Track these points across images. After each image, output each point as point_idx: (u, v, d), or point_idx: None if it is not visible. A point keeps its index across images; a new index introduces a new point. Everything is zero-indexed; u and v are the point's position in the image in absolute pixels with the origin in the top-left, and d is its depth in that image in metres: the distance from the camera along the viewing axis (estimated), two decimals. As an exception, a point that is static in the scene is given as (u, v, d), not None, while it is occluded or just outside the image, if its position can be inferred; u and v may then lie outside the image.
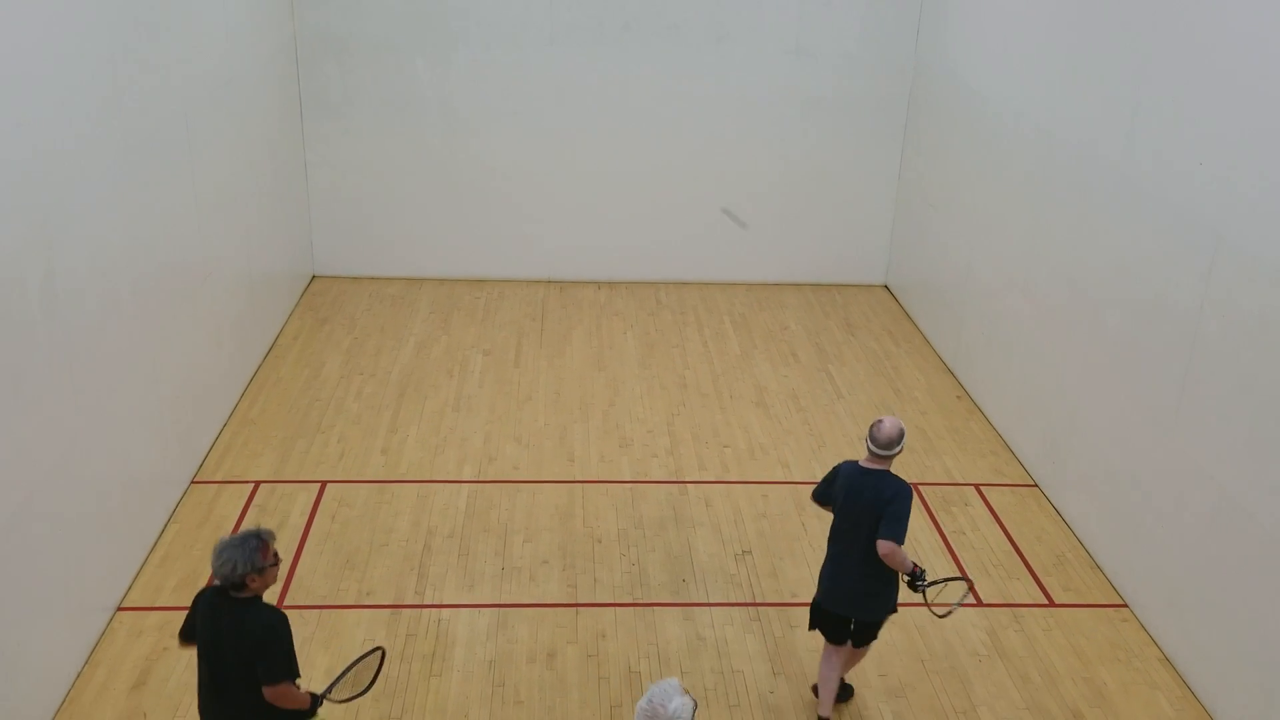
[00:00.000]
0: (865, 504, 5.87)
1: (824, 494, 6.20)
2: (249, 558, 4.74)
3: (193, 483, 8.51)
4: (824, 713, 6.30)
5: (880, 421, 5.91)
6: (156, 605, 7.16)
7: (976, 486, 8.86)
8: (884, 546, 5.76)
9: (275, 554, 4.87)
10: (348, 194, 12.34)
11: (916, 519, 8.38)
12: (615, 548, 7.93)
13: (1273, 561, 6.03)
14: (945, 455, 9.31)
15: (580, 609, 7.29)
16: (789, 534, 8.15)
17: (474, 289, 12.52)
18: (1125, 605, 7.48)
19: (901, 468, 9.07)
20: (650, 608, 7.31)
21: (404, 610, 7.21)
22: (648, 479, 8.82)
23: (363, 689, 5.19)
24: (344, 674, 5.14)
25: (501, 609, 7.27)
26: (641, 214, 12.62)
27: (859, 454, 9.20)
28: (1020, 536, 8.23)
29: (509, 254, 12.71)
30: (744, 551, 7.94)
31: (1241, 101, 6.43)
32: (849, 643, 6.24)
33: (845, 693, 6.55)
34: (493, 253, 12.69)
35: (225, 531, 7.90)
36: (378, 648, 5.31)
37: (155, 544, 7.75)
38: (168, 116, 8.07)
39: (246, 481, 8.56)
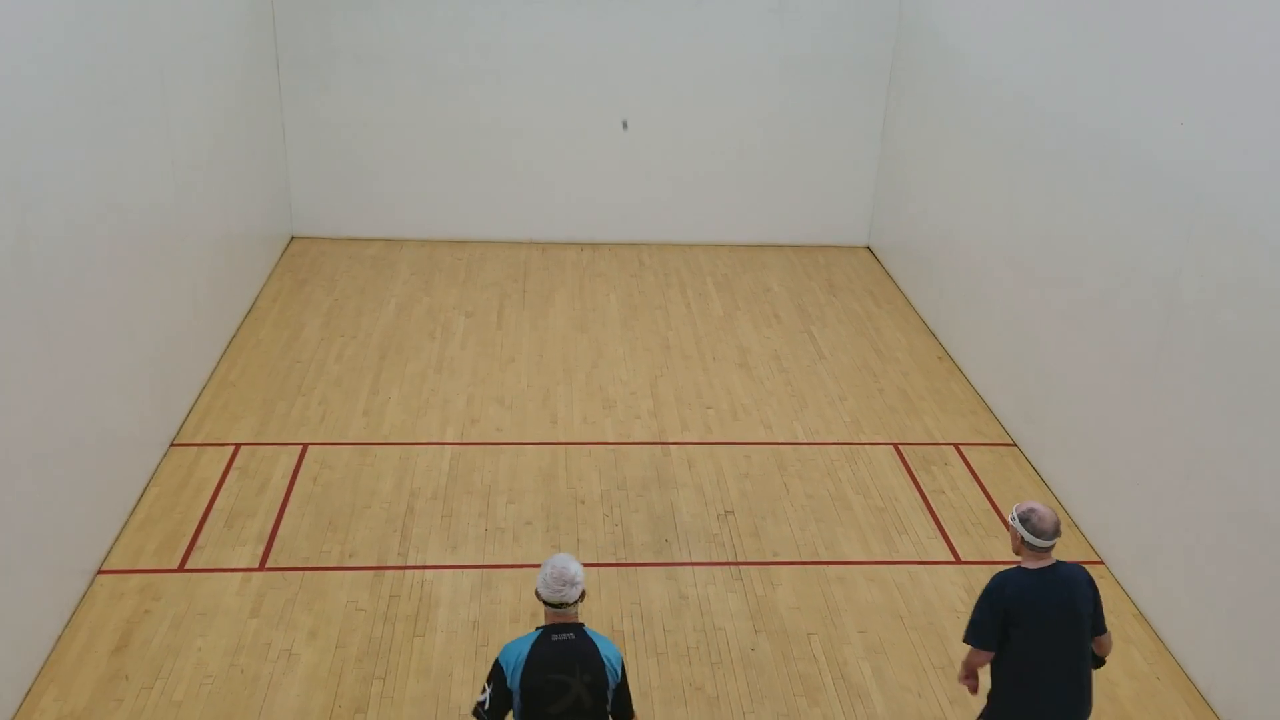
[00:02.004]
0: (1068, 602, 4.94)
1: (995, 628, 4.97)
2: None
3: (172, 445, 8.47)
4: None
5: (1037, 509, 4.95)
6: (137, 568, 7.15)
7: (956, 446, 8.92)
8: (1108, 642, 5.08)
9: None
10: (326, 153, 12.22)
11: (896, 478, 8.45)
12: (598, 508, 7.96)
13: (1245, 519, 6.11)
14: (926, 415, 9.36)
15: (563, 569, 7.31)
16: (771, 494, 8.20)
17: (455, 250, 12.44)
18: (1101, 562, 7.57)
19: (882, 428, 9.12)
20: (633, 568, 7.35)
21: (387, 571, 7.22)
22: (631, 440, 8.84)
23: None
24: None
25: (485, 570, 7.29)
26: (624, 175, 12.55)
27: (840, 414, 9.27)
28: (998, 495, 8.29)
29: (490, 215, 12.63)
30: (726, 512, 7.98)
31: (1220, 62, 6.42)
32: None
33: None
34: (474, 213, 12.61)
35: (205, 495, 7.89)
36: None
37: (135, 507, 7.73)
38: (142, 74, 7.95)
39: (227, 444, 8.53)
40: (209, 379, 9.42)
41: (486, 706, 4.56)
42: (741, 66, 12.19)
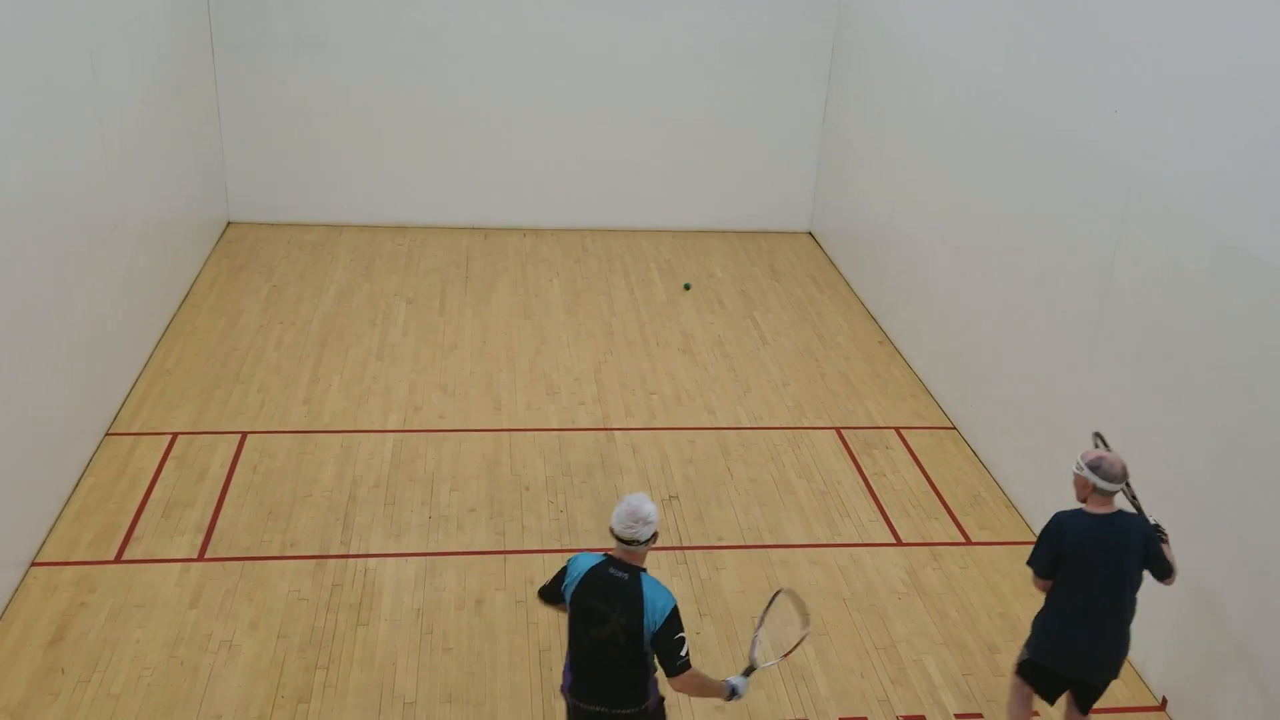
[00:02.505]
0: (1119, 551, 5.20)
1: (1050, 561, 5.31)
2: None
3: (107, 435, 8.31)
4: None
5: (1107, 456, 5.23)
6: (71, 560, 7.01)
7: (897, 430, 9.04)
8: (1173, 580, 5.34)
9: None
10: (263, 138, 12.02)
11: (838, 462, 8.54)
12: (543, 495, 7.95)
13: (1179, 498, 6.26)
14: (867, 399, 9.47)
15: (508, 556, 7.30)
16: (715, 479, 8.24)
17: (396, 236, 12.32)
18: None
19: (824, 412, 9.22)
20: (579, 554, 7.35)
21: (329, 560, 7.16)
22: (575, 426, 8.83)
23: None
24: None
25: (429, 557, 7.26)
26: (566, 160, 12.51)
27: (783, 399, 9.34)
28: (938, 477, 8.42)
29: (432, 200, 12.52)
30: (671, 497, 8.01)
31: (1156, 50, 6.55)
32: (1072, 708, 5.62)
33: None
34: (415, 199, 12.49)
35: (142, 485, 7.75)
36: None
37: (70, 497, 7.57)
38: (71, 58, 7.75)
39: (164, 433, 8.39)
40: (144, 367, 9.24)
41: (548, 587, 4.89)
42: (684, 51, 12.20)
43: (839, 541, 7.65)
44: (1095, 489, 5.23)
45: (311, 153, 12.15)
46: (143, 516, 7.46)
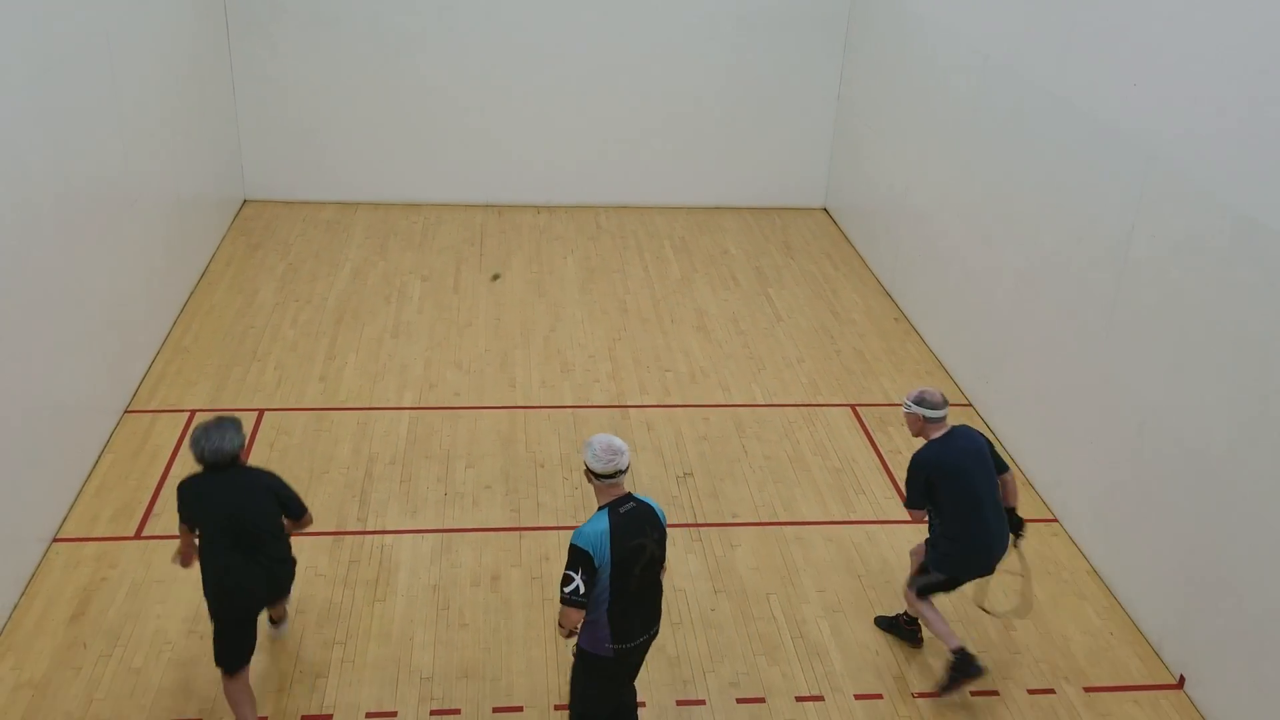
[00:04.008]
0: (975, 453, 5.95)
1: (927, 489, 5.97)
2: (240, 436, 5.50)
3: (126, 412, 8.36)
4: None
5: (927, 390, 6.00)
6: (93, 536, 7.07)
7: (913, 407, 9.01)
8: (1013, 482, 6.16)
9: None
10: (278, 116, 12.02)
11: (853, 439, 8.53)
12: (558, 472, 7.97)
13: (1195, 476, 6.24)
14: (882, 376, 9.45)
15: (524, 532, 7.33)
16: (729, 456, 8.25)
17: (410, 213, 12.32)
18: (1055, 520, 7.70)
19: (839, 389, 9.20)
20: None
21: (346, 537, 7.20)
22: (589, 404, 8.84)
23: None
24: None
25: (444, 534, 7.29)
26: (581, 138, 12.47)
27: (798, 376, 9.33)
28: (955, 455, 8.40)
29: (446, 178, 12.51)
30: (685, 474, 8.02)
31: (1174, 23, 6.47)
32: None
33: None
34: (429, 176, 12.48)
35: (161, 461, 7.81)
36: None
37: (90, 474, 7.63)
38: (88, 33, 7.76)
39: (181, 410, 8.44)
40: (163, 345, 9.29)
41: (582, 590, 4.89)
42: (699, 26, 12.12)
43: (854, 518, 7.65)
44: (926, 419, 5.95)
45: (326, 131, 12.14)
46: (162, 493, 7.51)
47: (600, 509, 5.03)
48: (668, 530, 5.30)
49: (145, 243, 8.89)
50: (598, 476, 5.00)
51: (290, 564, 5.69)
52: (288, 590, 5.86)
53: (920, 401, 5.97)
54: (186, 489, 5.47)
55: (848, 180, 12.34)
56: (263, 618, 6.04)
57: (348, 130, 12.17)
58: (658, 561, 5.12)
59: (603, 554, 4.91)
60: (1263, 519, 5.72)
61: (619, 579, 4.96)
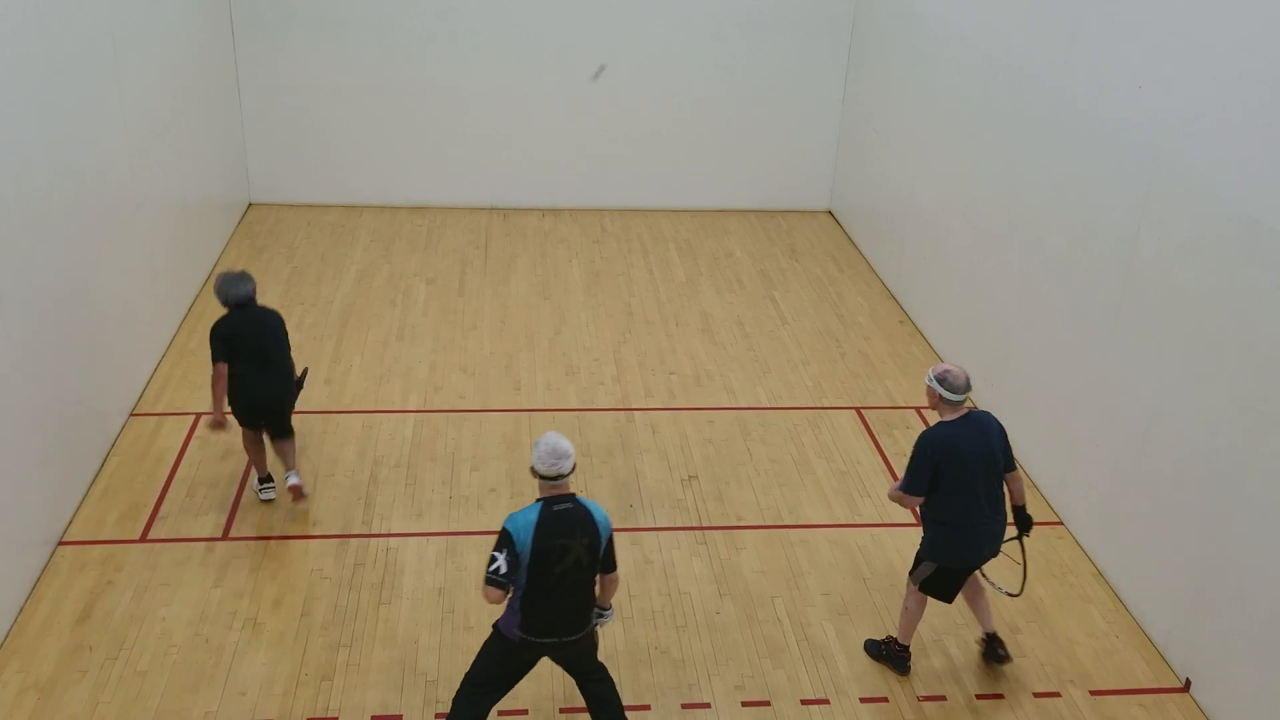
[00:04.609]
0: (985, 447, 5.80)
1: (927, 475, 5.80)
2: (253, 282, 7.05)
3: (132, 415, 8.38)
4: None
5: (951, 370, 5.79)
6: (99, 539, 7.09)
7: (917, 409, 9.01)
8: (1019, 483, 6.00)
9: None
10: (283, 118, 12.04)
11: (858, 442, 8.52)
12: (562, 474, 7.96)
13: (1201, 479, 6.22)
14: (887, 379, 9.44)
15: (528, 535, 7.33)
16: (734, 459, 8.25)
17: (415, 216, 12.34)
18: (1061, 523, 7.69)
19: (844, 392, 9.19)
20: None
21: (351, 540, 7.20)
22: (594, 407, 8.84)
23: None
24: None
25: (450, 537, 7.29)
26: (585, 140, 12.47)
27: (803, 379, 9.32)
28: (960, 458, 8.38)
29: (450, 181, 12.52)
30: (690, 477, 8.02)
31: (1179, 25, 6.47)
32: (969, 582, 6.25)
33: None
34: (434, 179, 12.49)
35: (167, 464, 7.82)
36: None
37: (96, 477, 7.65)
38: (92, 39, 7.78)
39: (187, 413, 8.45)
40: (168, 348, 9.31)
41: (503, 571, 5.05)
42: (703, 28, 12.13)
43: (859, 522, 7.64)
44: (943, 399, 5.77)
45: (332, 134, 12.16)
46: (168, 496, 7.52)
47: (537, 501, 5.17)
48: (613, 536, 5.29)
49: (151, 246, 8.90)
50: (541, 476, 5.13)
51: (294, 378, 7.33)
52: (292, 403, 7.37)
53: (941, 380, 5.79)
54: (221, 326, 6.96)
55: (852, 183, 12.34)
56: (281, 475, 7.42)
57: (353, 133, 12.18)
58: (585, 567, 5.17)
59: (525, 543, 5.06)
60: (1269, 521, 5.71)
61: (535, 572, 5.09)
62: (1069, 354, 7.61)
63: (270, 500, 7.51)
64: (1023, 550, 6.36)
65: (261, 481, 7.51)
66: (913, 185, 10.51)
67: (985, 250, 8.91)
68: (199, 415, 8.41)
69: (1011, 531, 6.19)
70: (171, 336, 9.45)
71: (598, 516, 5.23)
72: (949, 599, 6.17)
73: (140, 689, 5.99)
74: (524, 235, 12.01)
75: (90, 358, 7.63)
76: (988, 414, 5.95)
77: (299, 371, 7.52)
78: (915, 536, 7.45)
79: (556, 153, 12.50)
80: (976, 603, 6.36)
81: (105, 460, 7.83)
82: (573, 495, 5.21)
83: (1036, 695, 6.27)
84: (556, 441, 5.13)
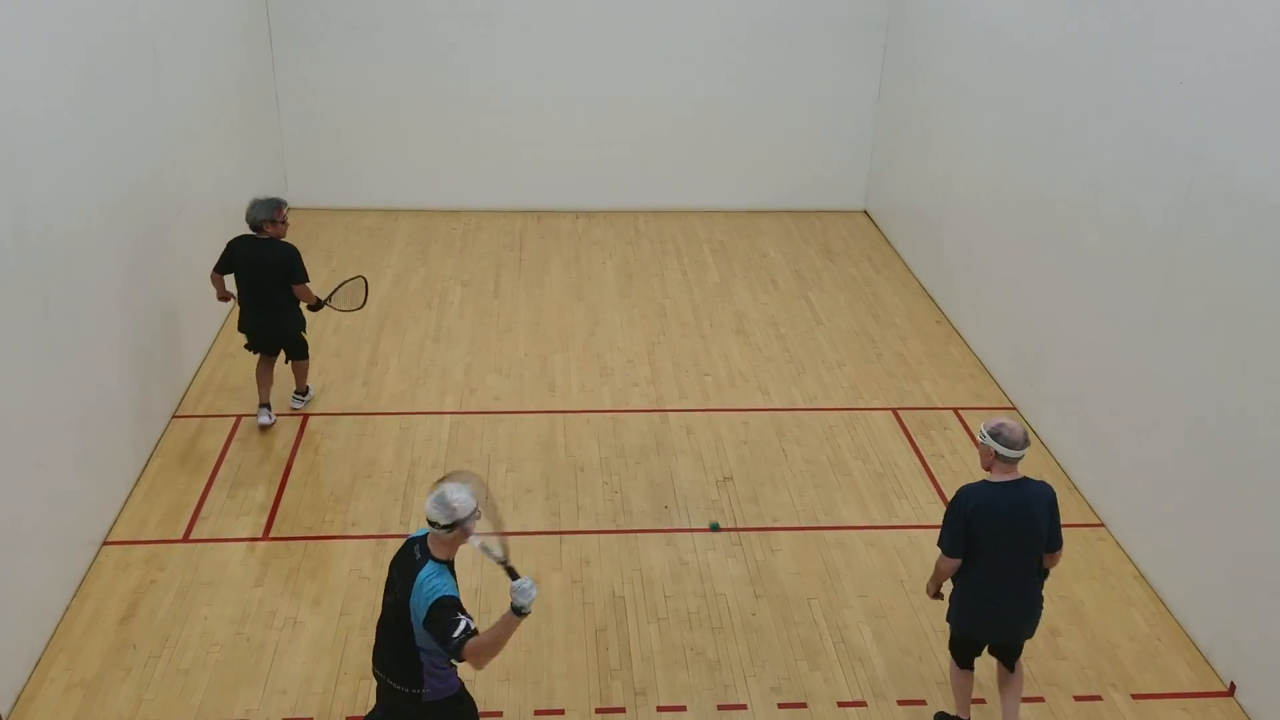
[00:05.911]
0: (1028, 519, 5.29)
1: (961, 533, 5.34)
2: (269, 212, 7.75)
3: (174, 417, 8.49)
4: None
5: (1006, 423, 5.31)
6: (142, 539, 7.19)
7: (955, 410, 8.95)
8: (1058, 557, 5.45)
9: (285, 215, 7.91)
10: (321, 124, 12.16)
11: (895, 443, 8.48)
12: (598, 476, 7.99)
13: (1242, 480, 6.14)
14: (924, 380, 9.38)
15: (564, 536, 7.36)
16: (769, 460, 8.23)
17: (451, 220, 12.41)
18: (1101, 524, 7.61)
19: (880, 393, 9.15)
20: (633, 534, 7.39)
21: (389, 540, 7.26)
22: (629, 408, 8.86)
23: (358, 306, 8.23)
24: (337, 289, 8.20)
25: (486, 538, 7.31)
26: (619, 142, 12.50)
27: (839, 380, 9.29)
28: (998, 459, 8.32)
29: (485, 184, 12.59)
30: (725, 478, 8.01)
31: (1220, 21, 6.39)
32: (1002, 667, 5.77)
33: None
34: (469, 183, 12.57)
35: (208, 465, 7.91)
36: (359, 276, 8.23)
37: (139, 478, 7.76)
38: (133, 45, 7.89)
39: (228, 415, 8.55)
40: (209, 351, 9.42)
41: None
42: (737, 28, 12.11)
43: (896, 523, 7.61)
44: (999, 456, 5.30)
45: (368, 139, 12.27)
46: (209, 496, 7.62)
47: (421, 531, 4.86)
48: (442, 617, 4.63)
49: (192, 251, 9.01)
50: (428, 520, 4.73)
51: (292, 316, 7.97)
52: (292, 340, 8.11)
53: (996, 434, 5.29)
54: (231, 243, 7.89)
55: (888, 182, 12.28)
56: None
57: (389, 138, 12.28)
58: (397, 607, 4.74)
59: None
60: (1315, 524, 5.63)
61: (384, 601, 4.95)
62: (1109, 354, 7.54)
63: (264, 425, 8.27)
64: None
65: (259, 407, 8.28)
66: (949, 184, 10.44)
67: (1024, 249, 8.84)
68: (240, 417, 8.51)
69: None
70: (212, 340, 9.56)
71: (420, 588, 4.65)
72: (965, 664, 5.78)
73: (183, 687, 6.07)
74: (558, 237, 12.05)
75: (132, 360, 7.74)
76: (1043, 484, 5.41)
77: (324, 296, 8.16)
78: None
79: (589, 155, 12.53)
80: (1003, 693, 5.81)
81: (148, 461, 7.94)
82: (441, 561, 4.73)
83: (1077, 699, 6.21)
84: (449, 490, 4.70)
